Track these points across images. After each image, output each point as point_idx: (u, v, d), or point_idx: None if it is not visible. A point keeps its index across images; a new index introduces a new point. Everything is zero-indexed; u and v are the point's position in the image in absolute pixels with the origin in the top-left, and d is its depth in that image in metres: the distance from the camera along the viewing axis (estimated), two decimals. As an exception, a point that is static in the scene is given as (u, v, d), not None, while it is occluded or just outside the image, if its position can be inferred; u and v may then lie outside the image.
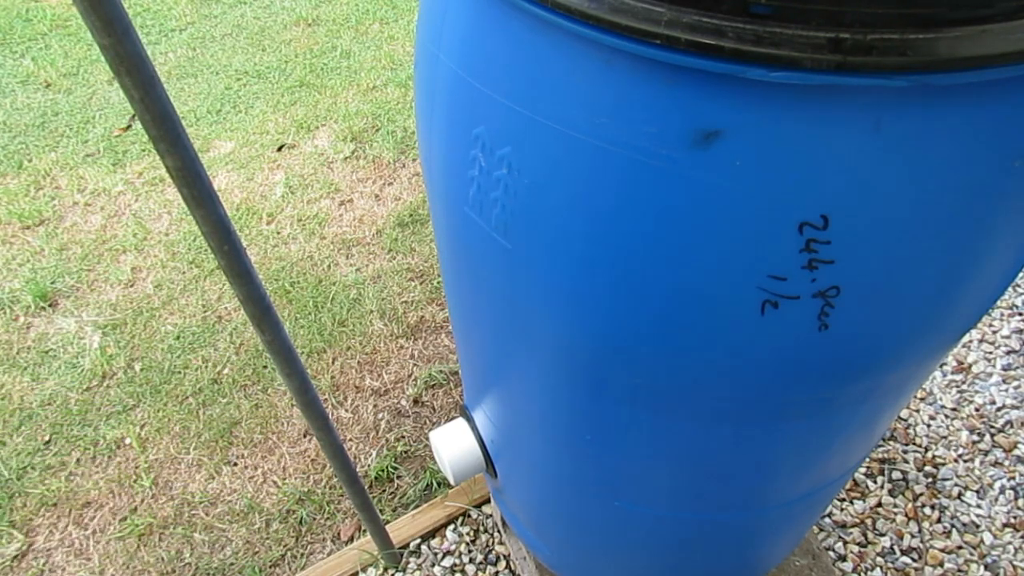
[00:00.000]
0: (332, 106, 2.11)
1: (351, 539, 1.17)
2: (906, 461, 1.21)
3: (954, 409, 1.27)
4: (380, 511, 1.18)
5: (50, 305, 1.57)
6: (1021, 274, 1.49)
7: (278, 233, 1.72)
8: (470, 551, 1.14)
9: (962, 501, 1.15)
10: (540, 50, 0.37)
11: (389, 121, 2.03)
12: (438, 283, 1.58)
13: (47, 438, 1.33)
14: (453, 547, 1.14)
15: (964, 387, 1.31)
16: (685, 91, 0.33)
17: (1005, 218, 0.38)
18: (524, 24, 0.37)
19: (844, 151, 0.33)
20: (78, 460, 1.30)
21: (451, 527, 1.17)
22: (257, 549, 1.16)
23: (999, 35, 0.29)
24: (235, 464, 1.28)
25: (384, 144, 1.95)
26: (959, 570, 1.08)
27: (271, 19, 2.54)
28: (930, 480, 1.18)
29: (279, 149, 1.97)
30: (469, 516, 1.18)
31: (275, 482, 1.25)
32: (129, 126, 2.09)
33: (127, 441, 1.32)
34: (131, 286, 1.61)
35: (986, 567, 1.08)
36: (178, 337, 1.49)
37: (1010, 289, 1.48)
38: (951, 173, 0.34)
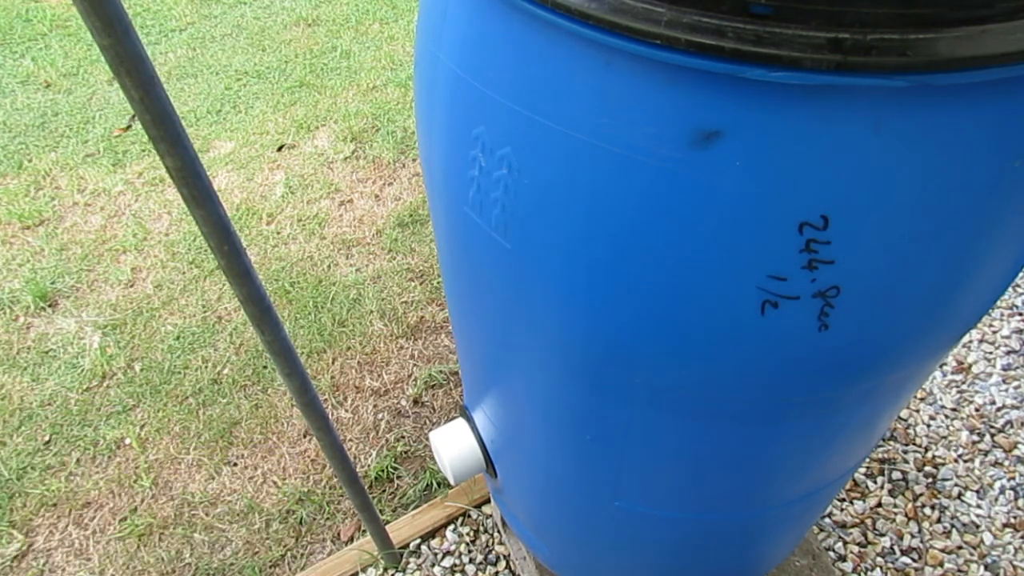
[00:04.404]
0: (332, 106, 2.10)
1: (351, 539, 1.17)
2: (906, 461, 1.21)
3: (954, 409, 1.27)
4: (380, 511, 1.18)
5: (50, 305, 1.57)
6: (1021, 274, 1.49)
7: (278, 233, 1.72)
8: (470, 551, 1.14)
9: (962, 501, 1.15)
10: (540, 50, 0.37)
11: (389, 121, 2.03)
12: (438, 283, 1.58)
13: (47, 438, 1.33)
14: (453, 547, 1.14)
15: (964, 387, 1.31)
16: (685, 91, 0.33)
17: (1005, 218, 0.38)
18: (524, 24, 0.37)
19: (844, 151, 0.33)
20: (78, 460, 1.30)
21: (451, 527, 1.17)
22: (257, 549, 1.16)
23: (999, 35, 0.29)
24: (235, 464, 1.28)
25: (384, 144, 1.95)
26: (959, 570, 1.08)
27: (271, 19, 2.54)
28: (930, 480, 1.18)
29: (279, 149, 1.97)
30: (469, 516, 1.18)
31: (275, 482, 1.25)
32: (129, 126, 2.09)
33: (127, 441, 1.32)
34: (131, 286, 1.61)
35: (986, 567, 1.08)
36: (178, 337, 1.49)
37: (1010, 289, 1.47)
38: (951, 173, 0.34)
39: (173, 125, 0.51)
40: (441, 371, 1.40)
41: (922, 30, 0.29)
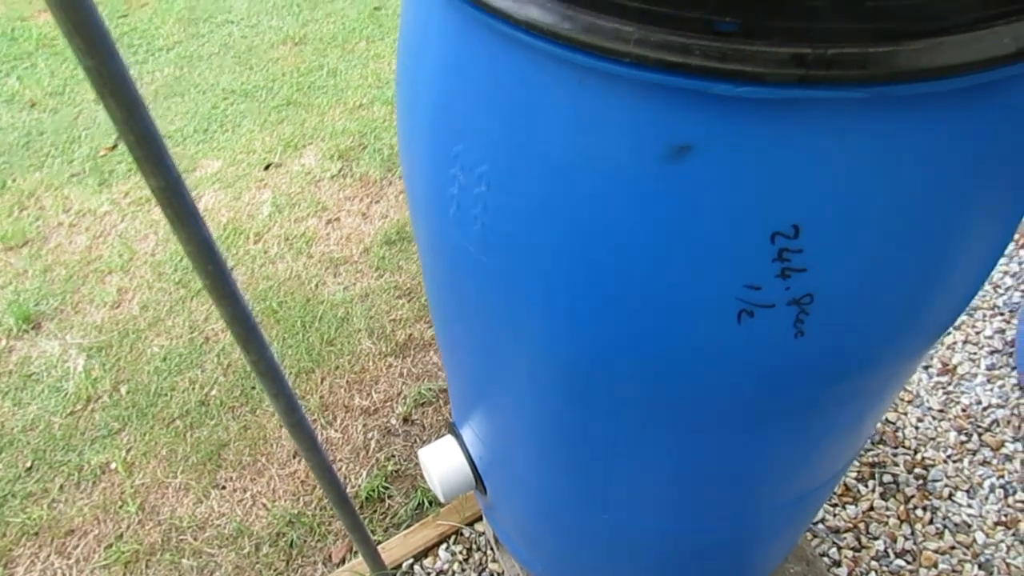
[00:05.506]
0: (319, 124, 2.11)
1: (343, 561, 1.16)
2: (896, 464, 1.22)
3: (941, 410, 1.29)
4: (372, 532, 1.17)
5: (33, 328, 1.55)
6: (1001, 274, 1.51)
7: (265, 252, 1.72)
8: (463, 570, 1.13)
9: (953, 501, 1.16)
10: (516, 69, 0.38)
11: (376, 139, 2.04)
12: (426, 300, 1.58)
13: (29, 464, 1.31)
14: (446, 566, 1.13)
15: (950, 388, 1.32)
16: (656, 107, 0.34)
17: (971, 222, 0.39)
18: (500, 44, 0.38)
19: (811, 161, 0.34)
20: (61, 486, 1.28)
21: (443, 546, 1.16)
22: (247, 574, 1.15)
23: (954, 47, 0.30)
24: (223, 487, 1.27)
25: (371, 162, 1.96)
26: (953, 571, 1.08)
27: (258, 38, 2.55)
28: (920, 482, 1.19)
29: (266, 168, 1.97)
30: (461, 534, 1.17)
31: (264, 504, 1.23)
32: (115, 145, 2.08)
33: (112, 466, 1.30)
34: (117, 307, 1.60)
35: (980, 566, 1.08)
36: (165, 359, 1.48)
37: (991, 290, 1.49)
38: (915, 180, 0.35)
39: (157, 145, 0.51)
40: (430, 389, 1.40)
41: (881, 44, 0.30)
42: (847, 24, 0.30)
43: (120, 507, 1.24)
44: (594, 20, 0.32)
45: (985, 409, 1.28)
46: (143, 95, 0.49)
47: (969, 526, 1.13)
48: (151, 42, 2.55)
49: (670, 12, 0.31)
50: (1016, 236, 1.59)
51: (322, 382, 1.42)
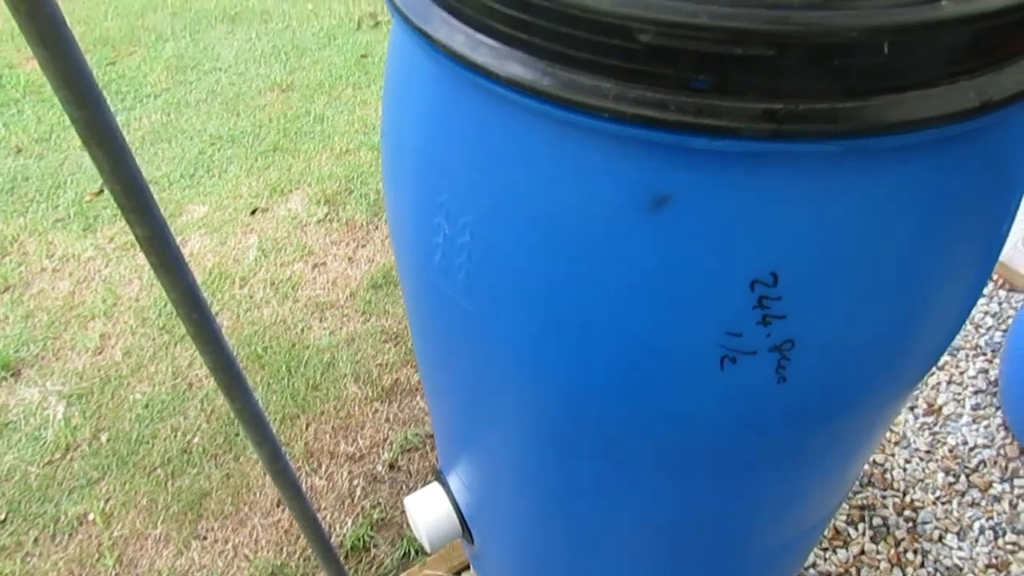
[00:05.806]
0: (306, 169, 2.13)
1: (325, 614, 1.11)
2: (885, 506, 1.21)
3: (928, 451, 1.29)
4: (356, 582, 1.14)
5: (12, 375, 1.52)
6: (982, 314, 1.54)
7: (251, 297, 1.71)
8: (451, 621, 1.09)
9: (943, 544, 1.15)
10: (499, 122, 0.39)
11: (362, 184, 2.06)
12: (412, 345, 1.57)
13: (2, 517, 1.26)
14: (433, 618, 1.10)
15: (936, 429, 1.32)
16: (635, 159, 0.35)
17: (947, 266, 0.40)
18: (483, 98, 0.39)
19: (787, 211, 0.35)
20: (36, 540, 1.23)
21: (430, 596, 1.12)
22: (225, 630, 1.10)
23: (920, 101, 0.32)
24: (205, 538, 1.22)
25: (357, 206, 1.97)
26: (948, 617, 1.06)
27: (245, 85, 2.59)
28: (910, 524, 1.18)
29: (253, 213, 1.98)
30: (449, 584, 1.13)
31: (247, 556, 1.19)
32: (101, 190, 2.08)
33: (90, 517, 1.26)
34: (99, 353, 1.57)
35: (974, 612, 1.06)
36: (147, 406, 1.45)
37: (973, 330, 1.52)
38: (890, 227, 0.36)
39: (142, 195, 0.51)
40: (417, 434, 1.38)
41: (849, 99, 0.31)
42: (815, 81, 0.31)
43: (97, 560, 1.19)
44: (574, 77, 0.34)
45: (972, 449, 1.28)
46: (130, 141, 0.49)
47: (960, 569, 1.12)
48: (139, 89, 2.58)
49: (646, 69, 0.32)
50: (995, 276, 1.62)
51: (307, 428, 1.40)
